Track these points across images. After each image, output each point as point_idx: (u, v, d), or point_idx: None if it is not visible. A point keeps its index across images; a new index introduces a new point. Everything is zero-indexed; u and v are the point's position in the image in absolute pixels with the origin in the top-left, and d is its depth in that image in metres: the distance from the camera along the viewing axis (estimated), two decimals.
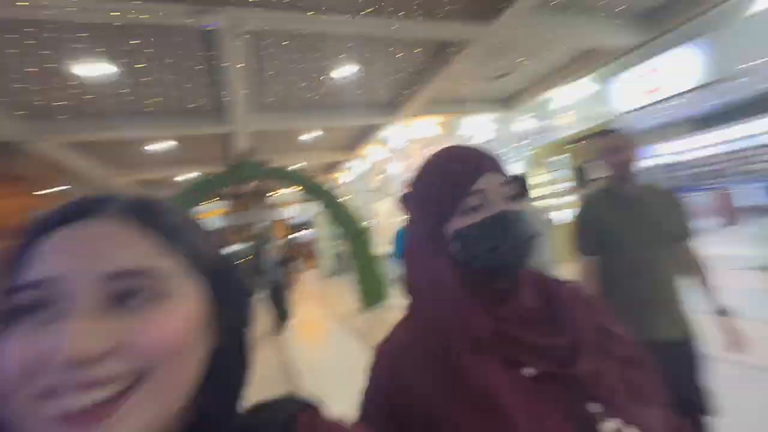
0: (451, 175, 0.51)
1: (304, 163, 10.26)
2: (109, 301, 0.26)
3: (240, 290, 0.35)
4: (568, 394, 0.45)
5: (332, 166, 11.63)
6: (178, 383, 0.27)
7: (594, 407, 0.45)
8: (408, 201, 0.57)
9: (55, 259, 0.26)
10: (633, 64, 5.89)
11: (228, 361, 0.33)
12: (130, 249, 0.28)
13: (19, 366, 0.23)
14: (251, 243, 7.48)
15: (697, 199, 7.20)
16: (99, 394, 0.23)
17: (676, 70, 5.51)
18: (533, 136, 7.90)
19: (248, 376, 0.35)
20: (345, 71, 5.32)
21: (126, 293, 0.26)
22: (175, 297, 0.28)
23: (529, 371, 0.46)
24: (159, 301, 0.27)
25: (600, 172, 2.78)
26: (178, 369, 0.27)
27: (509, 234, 0.49)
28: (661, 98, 5.80)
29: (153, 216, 0.30)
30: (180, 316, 0.28)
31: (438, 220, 0.52)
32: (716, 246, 4.30)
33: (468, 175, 0.50)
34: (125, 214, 0.29)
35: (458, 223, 0.50)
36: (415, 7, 4.01)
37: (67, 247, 0.27)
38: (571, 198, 6.60)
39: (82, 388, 0.23)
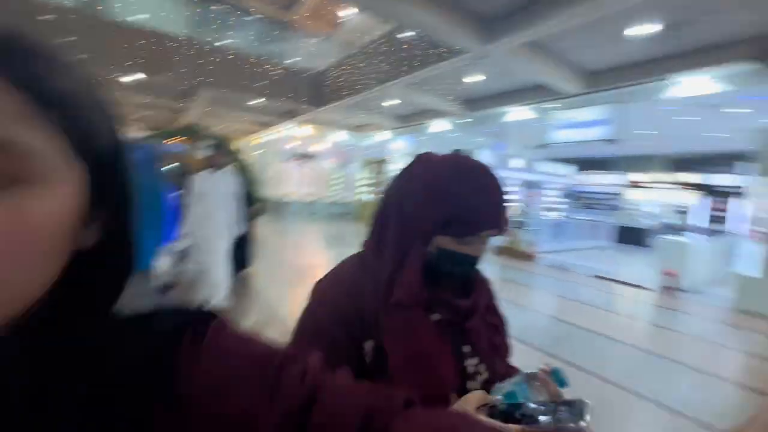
0: (488, 207, 0.62)
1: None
2: None
3: (129, 186, 0.27)
4: (455, 336, 0.65)
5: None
6: (18, 286, 0.21)
7: (466, 348, 0.66)
8: (416, 193, 0.63)
9: None
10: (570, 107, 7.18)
11: (98, 263, 0.27)
12: None
13: None
14: None
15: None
16: None
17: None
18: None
19: (124, 284, 0.29)
20: None
21: None
22: (41, 187, 0.21)
23: (435, 316, 0.64)
24: (18, 190, 0.20)
25: None
26: (21, 272, 0.21)
27: (473, 268, 0.69)
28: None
29: (31, 67, 0.21)
30: (39, 212, 0.21)
31: (432, 229, 0.62)
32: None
33: (496, 218, 0.63)
34: None
35: (446, 242, 0.63)
36: None
37: None
38: None
39: None
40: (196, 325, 0.28)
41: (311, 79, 9.45)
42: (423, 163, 0.65)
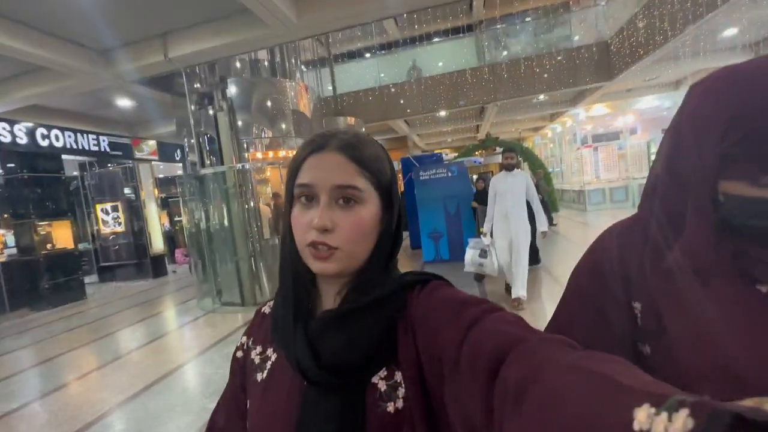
0: None
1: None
2: (334, 200, 0.45)
3: (398, 203, 0.50)
4: None
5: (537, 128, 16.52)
6: (357, 253, 0.46)
7: None
8: (689, 117, 0.46)
9: (311, 173, 0.45)
10: None
11: (386, 241, 0.49)
12: (345, 171, 0.45)
13: (301, 227, 0.46)
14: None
15: None
16: (325, 247, 0.44)
17: None
18: None
19: (397, 251, 0.51)
20: None
21: (341, 197, 0.44)
22: (364, 204, 0.45)
23: (765, 288, 0.43)
24: (355, 206, 0.45)
25: None
26: (358, 246, 0.46)
27: None
28: None
29: (357, 151, 0.46)
30: (365, 216, 0.45)
31: (709, 170, 0.44)
32: None
33: None
34: (342, 149, 0.46)
35: (736, 187, 0.42)
36: None
37: (316, 166, 0.45)
38: None
39: (320, 242, 0.44)
40: (424, 281, 0.47)
41: (596, 53, 8.55)
42: (698, 83, 0.46)
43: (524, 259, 3.88)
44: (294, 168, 0.48)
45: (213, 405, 0.60)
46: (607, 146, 11.88)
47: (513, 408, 0.27)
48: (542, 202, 9.09)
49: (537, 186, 8.98)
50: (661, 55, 6.99)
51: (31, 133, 6.68)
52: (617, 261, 0.54)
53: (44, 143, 6.87)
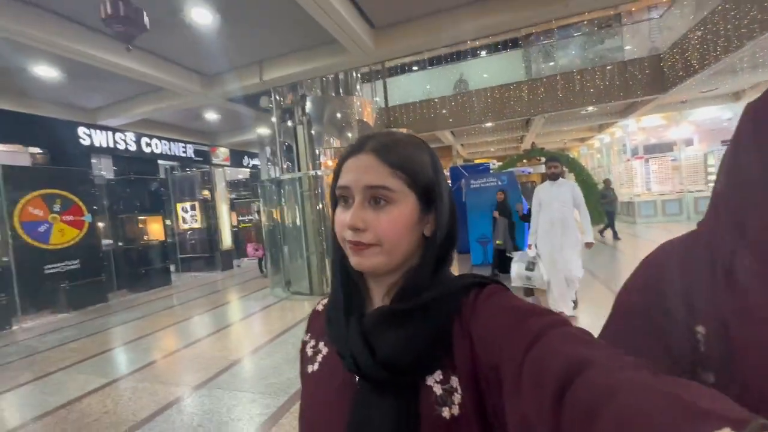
0: None
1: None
2: (367, 200, 0.47)
3: (443, 202, 0.49)
4: None
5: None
6: (392, 251, 0.47)
7: None
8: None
9: (347, 175, 0.48)
10: None
11: (433, 243, 0.49)
12: (377, 172, 0.46)
13: (339, 225, 0.49)
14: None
15: None
16: (359, 244, 0.46)
17: None
18: None
19: (450, 255, 0.51)
20: None
21: (374, 198, 0.46)
22: (396, 204, 0.46)
23: None
24: (387, 206, 0.46)
25: None
26: (394, 245, 0.47)
27: None
28: None
29: (391, 152, 0.47)
30: (397, 216, 0.46)
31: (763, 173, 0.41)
32: None
33: None
34: (375, 150, 0.47)
35: None
36: None
37: (351, 168, 0.48)
38: None
39: (353, 239, 0.47)
40: (481, 285, 0.47)
41: (648, 65, 8.61)
42: (753, 101, 0.45)
43: (573, 270, 3.73)
44: (336, 170, 0.51)
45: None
46: (661, 158, 11.64)
47: (583, 430, 0.27)
48: (608, 213, 9.05)
49: (605, 196, 9.07)
50: (718, 69, 7.02)
51: (138, 142, 7.96)
52: (677, 280, 0.51)
53: (147, 150, 8.14)
